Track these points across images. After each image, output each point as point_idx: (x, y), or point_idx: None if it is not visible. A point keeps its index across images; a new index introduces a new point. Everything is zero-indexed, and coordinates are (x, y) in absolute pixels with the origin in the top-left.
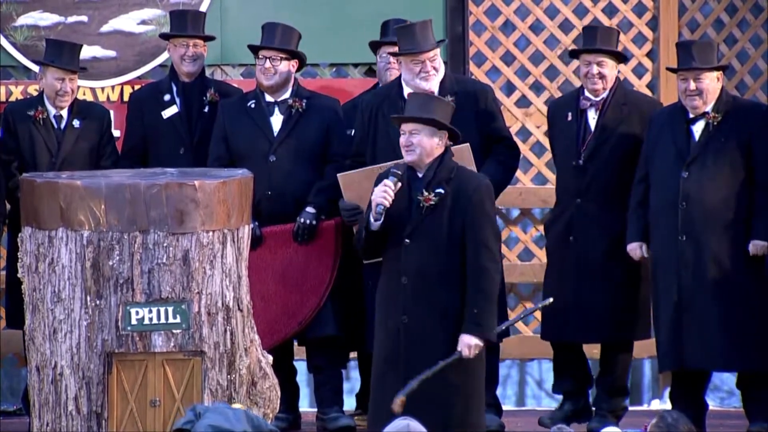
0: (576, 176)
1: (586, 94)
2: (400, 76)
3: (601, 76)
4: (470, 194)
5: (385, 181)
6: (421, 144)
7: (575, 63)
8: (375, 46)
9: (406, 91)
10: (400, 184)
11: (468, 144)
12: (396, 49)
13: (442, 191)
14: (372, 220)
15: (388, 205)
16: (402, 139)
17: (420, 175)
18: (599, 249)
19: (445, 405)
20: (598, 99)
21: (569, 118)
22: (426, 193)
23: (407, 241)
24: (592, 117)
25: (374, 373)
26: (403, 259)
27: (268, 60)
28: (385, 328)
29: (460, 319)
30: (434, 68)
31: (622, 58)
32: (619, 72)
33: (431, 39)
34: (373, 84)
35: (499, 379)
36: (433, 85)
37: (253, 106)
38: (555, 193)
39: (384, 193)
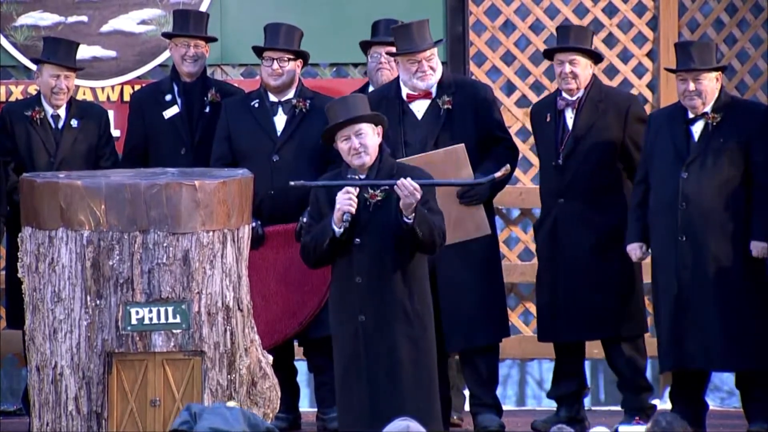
0: (557, 176)
1: (563, 94)
2: (398, 76)
3: (574, 75)
4: None
5: (347, 188)
6: (368, 144)
7: None
8: (365, 46)
9: (405, 91)
10: (358, 190)
11: (463, 144)
12: (389, 48)
13: (387, 187)
14: (336, 228)
15: (353, 212)
16: (347, 145)
17: (363, 176)
18: (587, 246)
19: (393, 378)
20: (574, 99)
21: (548, 119)
22: (372, 191)
23: (357, 240)
24: (570, 116)
25: (337, 374)
26: (355, 259)
27: (275, 61)
28: (344, 330)
29: (416, 314)
30: (431, 68)
31: (596, 57)
32: (593, 72)
33: (428, 38)
34: (363, 84)
35: (499, 379)
36: (430, 84)
37: (256, 105)
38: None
39: (349, 201)
